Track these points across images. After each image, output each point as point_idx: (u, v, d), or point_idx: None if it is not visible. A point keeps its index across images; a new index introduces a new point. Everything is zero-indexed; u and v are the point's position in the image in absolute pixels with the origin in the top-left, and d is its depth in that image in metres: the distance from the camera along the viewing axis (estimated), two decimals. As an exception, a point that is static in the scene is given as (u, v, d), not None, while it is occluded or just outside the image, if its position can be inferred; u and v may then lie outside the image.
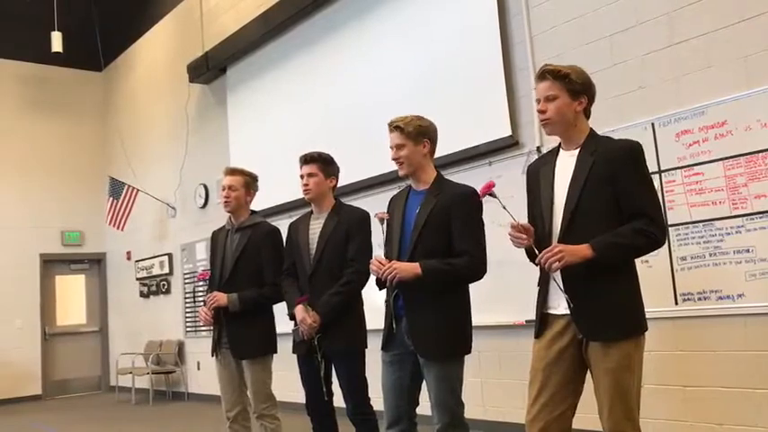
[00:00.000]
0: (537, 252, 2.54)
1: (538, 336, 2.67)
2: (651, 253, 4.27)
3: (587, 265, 2.44)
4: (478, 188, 2.81)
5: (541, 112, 2.61)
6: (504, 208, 2.62)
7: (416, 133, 3.06)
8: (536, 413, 2.58)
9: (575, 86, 2.58)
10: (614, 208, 2.50)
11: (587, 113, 2.65)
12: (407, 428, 3.04)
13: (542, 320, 2.66)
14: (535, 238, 2.61)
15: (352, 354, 3.49)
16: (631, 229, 2.47)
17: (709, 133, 4.15)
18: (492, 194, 2.67)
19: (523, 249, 2.72)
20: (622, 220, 2.50)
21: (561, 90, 2.57)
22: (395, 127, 3.08)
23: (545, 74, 2.61)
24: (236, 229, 3.97)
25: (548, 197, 2.64)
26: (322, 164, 3.62)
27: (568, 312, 2.53)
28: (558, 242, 2.54)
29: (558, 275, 2.53)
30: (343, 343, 3.47)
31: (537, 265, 2.59)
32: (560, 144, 2.71)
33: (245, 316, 3.81)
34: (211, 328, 3.99)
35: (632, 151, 2.55)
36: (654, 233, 2.48)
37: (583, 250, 2.44)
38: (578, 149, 2.61)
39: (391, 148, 3.11)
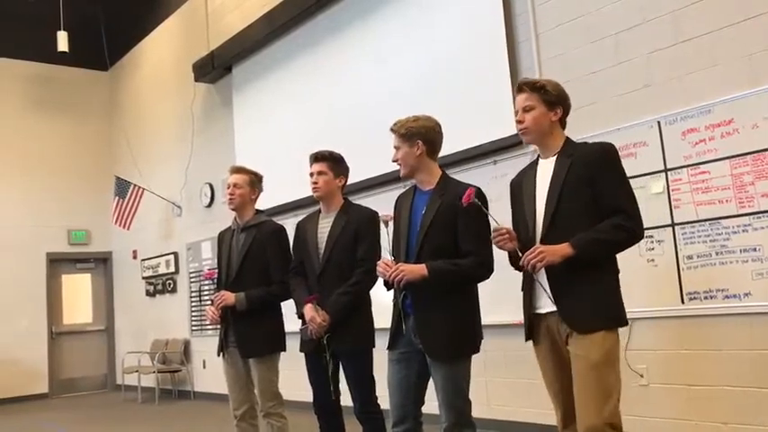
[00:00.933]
0: (520, 255, 2.64)
1: (531, 339, 2.78)
2: (657, 251, 4.30)
3: (569, 263, 2.53)
4: (481, 186, 2.86)
5: (519, 122, 2.75)
6: (488, 213, 2.78)
7: (409, 135, 3.09)
8: (565, 421, 2.69)
9: (550, 97, 2.72)
10: (593, 208, 2.60)
11: (563, 124, 2.79)
12: (413, 427, 3.05)
13: (532, 322, 2.74)
14: (520, 243, 2.70)
15: (360, 353, 3.49)
16: (610, 224, 2.56)
17: (716, 131, 4.14)
18: (472, 203, 2.80)
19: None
20: (601, 219, 2.59)
21: (538, 101, 2.72)
22: (392, 129, 3.16)
23: (522, 86, 2.77)
24: (241, 228, 3.98)
25: (530, 203, 2.74)
26: (332, 162, 3.63)
27: (553, 309, 2.63)
28: (540, 243, 2.62)
29: (542, 278, 2.62)
30: (351, 342, 3.47)
31: (521, 268, 2.72)
32: (538, 155, 2.84)
33: (253, 315, 3.81)
34: (218, 326, 4.01)
35: (607, 152, 2.67)
36: (632, 227, 2.59)
37: (563, 249, 2.54)
38: (556, 156, 2.73)
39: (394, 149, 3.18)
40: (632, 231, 2.59)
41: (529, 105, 2.72)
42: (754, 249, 3.95)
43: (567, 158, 2.68)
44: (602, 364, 2.52)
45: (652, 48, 4.47)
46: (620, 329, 2.65)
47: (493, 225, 2.74)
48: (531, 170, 2.84)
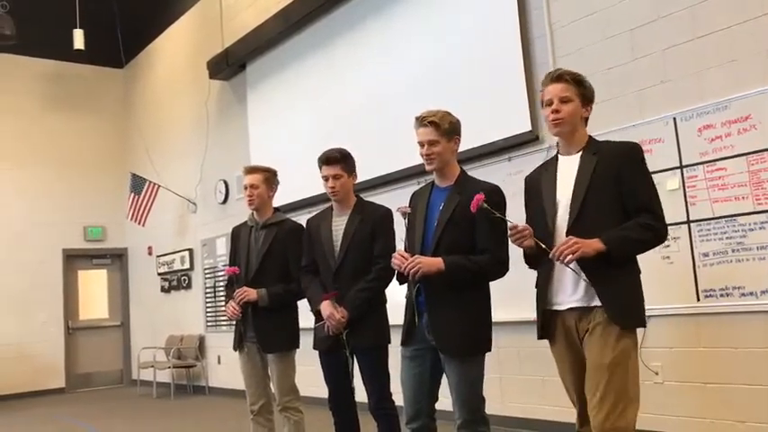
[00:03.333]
0: (543, 246, 2.61)
1: (545, 337, 2.75)
2: (673, 249, 4.27)
3: (598, 258, 2.52)
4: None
5: (556, 111, 2.70)
6: (498, 215, 2.77)
7: (450, 130, 3.04)
8: (581, 419, 2.67)
9: (587, 93, 2.74)
10: (618, 205, 2.61)
11: (586, 122, 2.79)
12: (427, 424, 3.05)
13: (547, 319, 2.72)
14: (537, 237, 2.68)
15: (376, 349, 3.50)
16: (637, 223, 2.57)
17: (732, 128, 4.10)
18: (481, 207, 2.77)
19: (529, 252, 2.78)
20: (626, 217, 2.60)
21: (575, 94, 2.70)
22: (429, 122, 3.02)
23: (564, 76, 2.72)
24: (260, 226, 4.01)
25: (550, 198, 2.73)
26: (344, 163, 3.60)
27: (574, 306, 2.62)
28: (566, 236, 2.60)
29: (574, 264, 2.57)
30: (367, 338, 3.48)
31: (535, 266, 2.74)
32: (558, 151, 2.83)
33: (273, 311, 3.86)
34: (233, 322, 4.04)
35: (635, 152, 2.70)
36: (659, 228, 2.61)
37: (596, 243, 2.52)
38: (580, 152, 2.72)
39: (421, 143, 3.05)
40: (659, 232, 2.61)
41: (567, 97, 2.69)
42: (772, 247, 3.91)
43: (592, 155, 2.68)
44: (615, 365, 2.50)
45: (668, 43, 4.44)
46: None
47: (509, 225, 2.70)
48: (550, 166, 2.83)
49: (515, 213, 2.93)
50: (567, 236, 2.60)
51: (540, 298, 2.76)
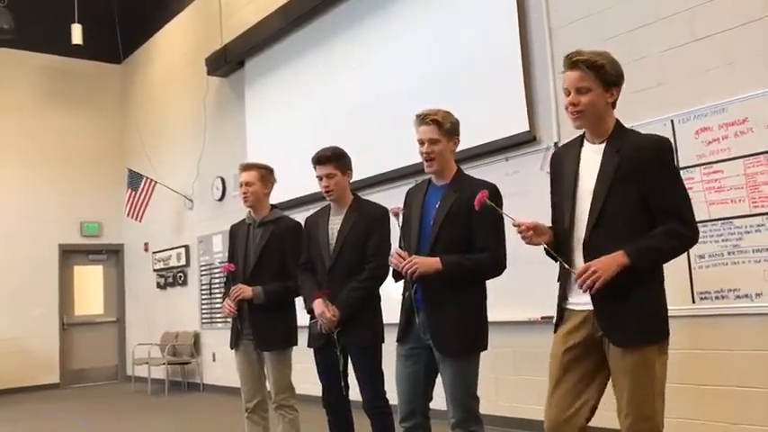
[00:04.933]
0: (559, 258, 2.51)
1: (556, 327, 2.64)
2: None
3: (620, 273, 2.36)
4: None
5: (573, 104, 2.48)
6: (501, 212, 2.66)
7: (451, 129, 3.03)
8: (550, 407, 2.57)
9: (609, 78, 2.46)
10: (641, 206, 2.42)
11: (614, 105, 2.53)
12: (421, 422, 3.05)
13: (561, 314, 2.61)
14: (555, 232, 2.57)
15: (369, 347, 3.50)
16: (664, 231, 2.38)
17: (730, 130, 4.11)
18: (485, 204, 2.66)
19: (537, 246, 2.70)
20: (650, 218, 2.42)
21: (595, 82, 2.44)
22: (432, 120, 2.99)
23: (578, 63, 2.47)
24: (258, 223, 4.00)
25: (570, 189, 2.54)
26: (337, 162, 3.58)
27: (588, 308, 2.48)
28: (584, 244, 2.46)
29: (577, 264, 2.47)
30: (361, 337, 3.48)
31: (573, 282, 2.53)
32: (584, 134, 2.60)
33: (269, 309, 3.85)
34: (229, 320, 4.04)
35: (662, 149, 2.46)
36: (689, 235, 2.42)
37: (618, 259, 2.35)
38: (604, 143, 2.50)
39: (421, 141, 3.03)
40: (689, 238, 2.42)
41: (585, 87, 2.43)
42: (767, 249, 3.92)
43: (615, 153, 2.44)
44: (637, 368, 2.38)
45: (666, 46, 4.44)
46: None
47: (510, 223, 2.58)
48: (574, 150, 2.60)
49: (514, 212, 2.91)
50: (585, 244, 2.45)
51: (559, 293, 2.62)
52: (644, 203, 2.42)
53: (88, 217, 11.36)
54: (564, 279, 2.60)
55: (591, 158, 2.52)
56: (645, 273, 2.40)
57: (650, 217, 2.42)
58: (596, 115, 2.49)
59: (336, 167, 3.58)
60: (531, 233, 2.53)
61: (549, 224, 2.65)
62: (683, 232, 2.40)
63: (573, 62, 2.48)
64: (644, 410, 2.40)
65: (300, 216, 4.09)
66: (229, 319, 4.05)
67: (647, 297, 2.44)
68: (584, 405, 2.52)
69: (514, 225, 2.55)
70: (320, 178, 3.60)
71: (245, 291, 3.86)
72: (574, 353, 2.53)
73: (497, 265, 2.98)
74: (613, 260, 2.35)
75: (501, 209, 2.88)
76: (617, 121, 2.55)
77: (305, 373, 4.41)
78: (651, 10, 4.53)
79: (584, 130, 2.60)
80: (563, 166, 2.63)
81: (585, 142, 2.59)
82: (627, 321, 2.40)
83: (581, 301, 2.51)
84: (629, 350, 2.39)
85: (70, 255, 11.24)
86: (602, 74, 2.45)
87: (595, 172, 2.48)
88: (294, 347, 3.97)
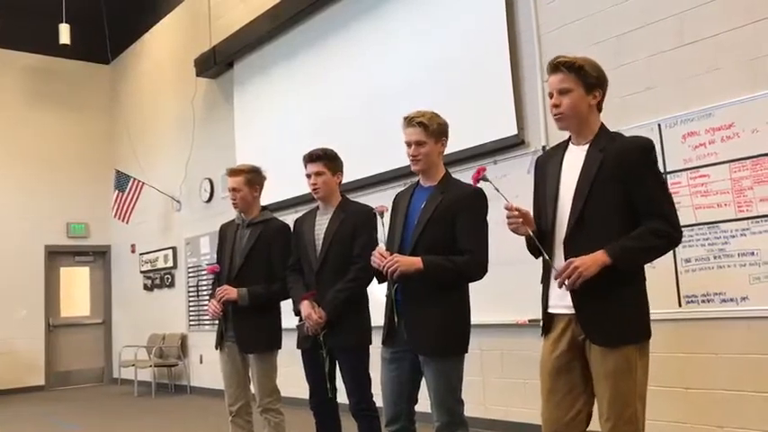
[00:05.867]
0: (542, 250, 2.51)
1: (544, 334, 2.63)
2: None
3: (600, 273, 2.37)
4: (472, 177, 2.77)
5: (555, 106, 2.52)
6: (498, 190, 2.60)
7: (438, 131, 3.03)
8: (547, 416, 2.55)
9: (590, 79, 2.50)
10: (623, 207, 2.43)
11: (599, 108, 2.57)
12: (406, 426, 3.04)
13: (546, 319, 2.61)
14: (538, 230, 2.58)
15: (356, 350, 3.49)
16: (647, 231, 2.39)
17: (716, 135, 4.14)
18: (484, 178, 2.66)
19: (525, 247, 2.70)
20: (633, 218, 2.43)
21: (576, 83, 2.49)
22: (418, 123, 3.00)
23: (559, 66, 2.52)
24: (246, 224, 3.99)
25: (552, 190, 2.57)
26: (328, 161, 3.60)
27: (569, 312, 2.49)
28: (565, 241, 2.48)
29: (557, 264, 2.48)
30: (347, 339, 3.47)
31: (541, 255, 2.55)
32: (570, 138, 2.64)
33: (253, 311, 3.82)
34: (216, 321, 4.01)
35: (644, 150, 2.47)
36: (672, 234, 2.42)
37: (599, 258, 2.36)
38: (588, 145, 2.53)
39: (408, 143, 3.04)
40: (672, 237, 2.43)
41: (565, 88, 2.48)
42: (752, 253, 3.95)
43: (598, 152, 2.47)
44: (619, 372, 2.38)
45: (654, 50, 4.47)
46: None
47: (504, 204, 2.56)
48: (558, 153, 2.63)
49: (496, 217, 2.91)
50: (566, 242, 2.47)
51: (542, 297, 2.63)
52: (627, 203, 2.43)
53: (75, 218, 11.28)
54: (546, 280, 2.60)
55: (575, 159, 2.55)
56: (626, 273, 2.41)
57: (633, 217, 2.43)
58: (578, 116, 2.52)
59: (326, 166, 3.58)
60: (520, 219, 2.53)
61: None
62: (666, 231, 2.41)
63: (554, 65, 2.54)
64: (625, 414, 2.39)
65: (288, 218, 4.08)
66: (216, 321, 4.03)
67: (628, 297, 2.44)
68: (580, 413, 2.52)
69: (506, 207, 2.55)
70: (309, 176, 3.61)
71: (230, 292, 3.84)
72: (562, 360, 2.52)
73: (479, 268, 2.97)
74: (595, 259, 2.36)
75: (486, 214, 2.88)
76: (602, 124, 2.58)
77: (292, 376, 4.40)
78: (639, 15, 4.56)
79: (568, 133, 2.62)
80: (547, 170, 2.65)
81: (570, 145, 2.62)
82: (607, 321, 2.40)
83: (563, 303, 2.51)
84: (610, 352, 2.40)
85: (56, 256, 11.16)
86: (582, 75, 2.49)
87: (577, 174, 2.50)
88: (281, 350, 3.95)
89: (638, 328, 2.45)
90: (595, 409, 2.51)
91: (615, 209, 2.43)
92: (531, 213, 2.63)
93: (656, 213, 2.41)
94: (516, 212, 2.54)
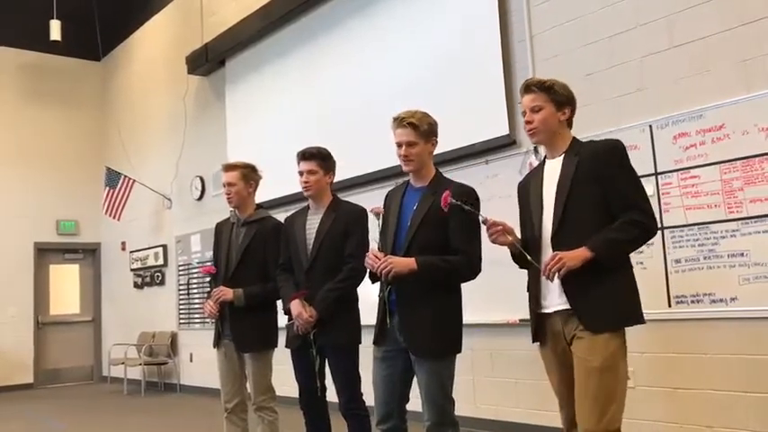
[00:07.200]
0: (525, 253, 2.64)
1: (537, 341, 2.74)
2: (646, 254, 4.31)
3: (586, 266, 2.50)
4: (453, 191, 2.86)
5: (528, 122, 2.73)
6: (469, 209, 2.79)
7: (428, 131, 3.04)
8: (568, 424, 2.66)
9: (559, 97, 2.71)
10: (602, 205, 2.58)
11: (570, 123, 2.77)
12: (398, 424, 3.05)
13: (538, 322, 2.70)
14: (525, 241, 2.72)
15: (346, 349, 3.49)
16: (623, 222, 2.54)
17: (707, 136, 4.16)
18: (451, 204, 2.80)
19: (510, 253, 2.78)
20: (612, 215, 2.57)
21: (546, 101, 2.70)
22: (408, 123, 3.01)
23: (530, 86, 2.73)
24: (242, 222, 3.98)
25: (537, 202, 2.73)
26: (321, 160, 3.60)
27: (560, 309, 2.60)
28: (552, 240, 2.60)
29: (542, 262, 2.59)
30: (337, 338, 3.47)
31: (525, 266, 2.69)
32: (545, 156, 2.83)
33: (249, 310, 3.83)
34: (211, 320, 4.03)
35: (615, 149, 2.65)
36: (646, 222, 2.58)
37: (582, 253, 2.51)
38: (563, 155, 2.71)
39: (398, 144, 3.05)
40: (648, 226, 2.58)
41: (537, 106, 2.70)
42: (742, 254, 3.97)
43: (574, 156, 2.66)
44: (605, 369, 2.48)
45: (646, 51, 4.48)
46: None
47: (480, 219, 2.73)
48: (538, 171, 2.82)
49: (493, 216, 2.92)
50: (551, 241, 2.60)
51: (531, 301, 2.75)
52: (605, 202, 2.59)
53: (64, 215, 11.22)
54: (534, 284, 2.72)
55: (553, 170, 2.73)
56: (611, 264, 2.55)
57: (612, 215, 2.58)
58: (550, 131, 2.73)
59: (319, 165, 3.59)
60: (500, 228, 2.68)
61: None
62: (640, 220, 2.56)
63: (526, 86, 2.76)
64: (607, 410, 2.48)
65: (281, 217, 4.07)
66: (208, 320, 4.04)
67: (620, 281, 2.59)
68: None
69: (484, 223, 2.71)
70: (301, 173, 3.62)
71: (226, 293, 3.84)
72: (564, 364, 2.63)
73: (472, 268, 2.98)
74: (578, 254, 2.51)
75: (479, 211, 2.89)
76: (574, 137, 2.77)
77: (283, 375, 4.39)
78: (631, 16, 4.57)
79: (534, 154, 2.79)
80: (530, 187, 2.83)
81: (547, 160, 2.80)
82: (599, 306, 2.54)
83: (559, 300, 2.61)
84: (596, 347, 2.49)
85: (46, 253, 11.09)
86: (551, 93, 2.71)
87: (557, 180, 2.67)
88: (275, 349, 3.95)
89: (630, 312, 2.60)
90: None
91: (594, 207, 2.59)
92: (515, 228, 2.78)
93: (630, 206, 2.57)
94: (493, 223, 2.69)
